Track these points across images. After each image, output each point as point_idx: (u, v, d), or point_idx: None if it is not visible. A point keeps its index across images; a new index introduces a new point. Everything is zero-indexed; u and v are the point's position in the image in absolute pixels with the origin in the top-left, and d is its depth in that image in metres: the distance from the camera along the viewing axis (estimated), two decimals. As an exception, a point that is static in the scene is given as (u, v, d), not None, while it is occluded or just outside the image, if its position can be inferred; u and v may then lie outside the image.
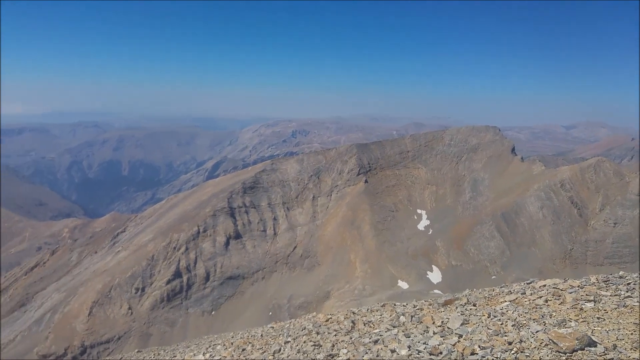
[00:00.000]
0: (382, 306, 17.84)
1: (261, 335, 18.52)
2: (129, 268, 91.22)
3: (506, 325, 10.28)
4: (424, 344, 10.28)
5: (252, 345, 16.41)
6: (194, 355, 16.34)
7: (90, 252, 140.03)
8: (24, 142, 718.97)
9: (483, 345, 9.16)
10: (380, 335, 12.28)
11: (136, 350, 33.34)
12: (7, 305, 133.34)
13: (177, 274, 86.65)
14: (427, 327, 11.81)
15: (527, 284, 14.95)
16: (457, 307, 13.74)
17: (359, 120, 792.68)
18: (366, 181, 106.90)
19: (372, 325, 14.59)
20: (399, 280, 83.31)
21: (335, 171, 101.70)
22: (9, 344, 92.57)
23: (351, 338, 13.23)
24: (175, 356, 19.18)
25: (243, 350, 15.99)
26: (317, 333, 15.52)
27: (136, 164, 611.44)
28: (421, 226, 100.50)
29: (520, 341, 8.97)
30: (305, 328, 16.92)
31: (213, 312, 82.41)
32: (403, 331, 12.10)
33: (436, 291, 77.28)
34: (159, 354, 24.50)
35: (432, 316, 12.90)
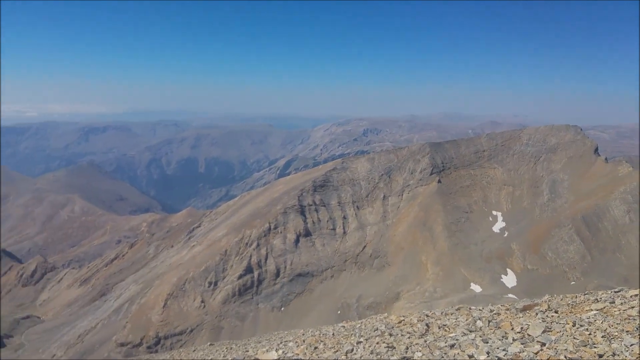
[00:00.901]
0: (457, 310, 17.34)
1: (332, 334, 18.46)
2: (203, 262, 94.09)
3: (595, 336, 9.64)
4: (503, 350, 9.86)
5: (324, 344, 16.37)
6: (267, 351, 16.47)
7: (166, 246, 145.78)
8: (107, 140, 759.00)
9: (570, 356, 8.62)
10: (457, 340, 11.89)
11: (208, 344, 34.21)
12: (89, 294, 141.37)
13: (249, 269, 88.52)
14: (506, 333, 11.32)
15: (616, 292, 14.03)
16: (537, 314, 13.10)
17: (433, 118, 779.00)
18: (439, 181, 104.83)
19: (447, 329, 14.18)
20: (472, 284, 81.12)
21: (407, 170, 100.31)
22: (90, 331, 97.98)
23: (426, 341, 12.89)
24: (247, 351, 19.44)
25: (315, 348, 15.98)
26: (390, 335, 15.27)
27: (212, 162, 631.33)
28: (496, 228, 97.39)
29: (613, 354, 8.35)
30: (377, 329, 16.70)
31: (282, 308, 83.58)
32: (480, 336, 11.66)
33: (510, 295, 74.64)
34: (230, 348, 24.97)
35: (510, 322, 12.38)
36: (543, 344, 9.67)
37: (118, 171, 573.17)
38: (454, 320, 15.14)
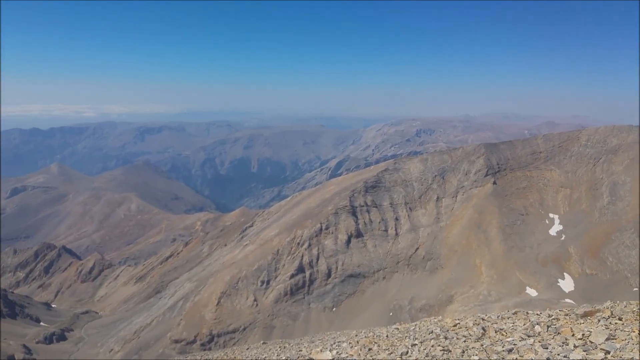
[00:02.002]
0: (513, 314, 17.02)
1: (386, 336, 18.46)
2: (255, 261, 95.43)
3: (663, 345, 9.32)
4: (564, 357, 9.66)
5: (378, 346, 16.39)
6: (321, 351, 16.65)
7: (220, 244, 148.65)
8: (163, 140, 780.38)
9: (636, 365, 8.38)
10: (514, 345, 11.71)
11: (261, 342, 34.72)
12: (145, 291, 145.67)
13: (300, 269, 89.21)
14: (567, 339, 11.07)
15: (684, 300, 13.45)
16: (599, 320, 12.71)
17: (488, 118, 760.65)
18: (494, 183, 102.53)
19: (504, 333, 13.96)
20: (527, 287, 78.95)
21: (461, 172, 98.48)
22: (146, 327, 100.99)
23: (482, 345, 12.75)
24: (300, 350, 19.68)
25: (369, 349, 16.03)
26: (445, 338, 15.16)
27: (264, 162, 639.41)
28: (553, 231, 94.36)
29: (683, 364, 8.07)
30: (432, 332, 16.60)
31: (334, 309, 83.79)
32: (539, 341, 11.45)
33: (568, 300, 72.22)
34: (284, 347, 25.28)
35: (571, 327, 12.08)
36: (607, 352, 9.41)
37: (173, 171, 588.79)
38: (511, 325, 14.89)
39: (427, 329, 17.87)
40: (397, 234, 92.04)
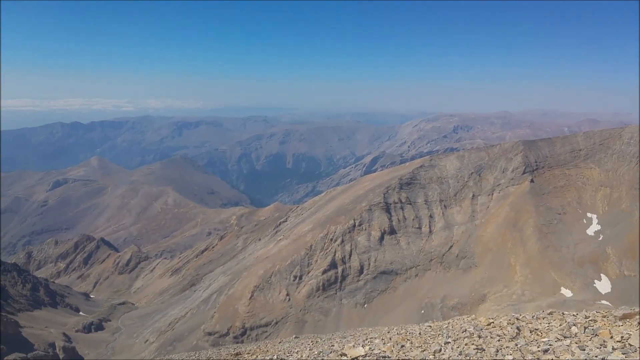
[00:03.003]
0: (549, 314, 16.74)
1: (419, 334, 18.38)
2: (288, 256, 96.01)
3: None
4: (602, 359, 9.49)
5: (411, 343, 16.35)
6: (353, 346, 16.71)
7: (254, 239, 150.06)
8: (200, 135, 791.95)
9: (678, 370, 8.19)
10: (550, 345, 11.54)
11: (294, 336, 34.94)
12: (180, 284, 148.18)
13: (333, 265, 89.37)
14: (604, 341, 10.86)
15: None
16: (639, 323, 12.44)
17: (527, 115, 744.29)
18: (532, 181, 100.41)
19: (539, 333, 13.76)
20: (562, 288, 77.27)
21: (498, 169, 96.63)
22: (180, 319, 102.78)
23: (517, 345, 12.61)
24: (332, 345, 19.77)
25: (402, 346, 16.00)
26: (479, 337, 15.02)
27: (299, 157, 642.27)
28: (590, 231, 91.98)
29: None
30: (465, 330, 16.46)
31: (365, 305, 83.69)
32: (576, 343, 11.26)
33: (604, 302, 70.38)
34: (316, 342, 25.42)
35: (609, 330, 11.84)
36: (647, 355, 9.22)
37: (209, 165, 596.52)
38: (546, 325, 14.66)
39: (461, 327, 17.73)
40: (430, 232, 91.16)
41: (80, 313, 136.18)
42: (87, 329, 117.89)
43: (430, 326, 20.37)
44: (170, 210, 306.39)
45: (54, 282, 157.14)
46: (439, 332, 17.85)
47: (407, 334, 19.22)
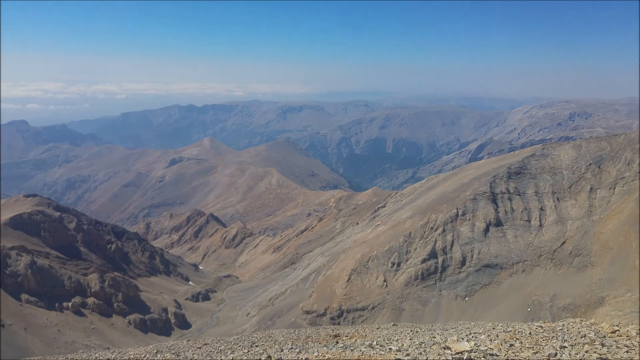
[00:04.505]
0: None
1: (529, 333, 16.87)
2: (386, 242, 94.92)
3: None
4: None
5: (521, 343, 14.98)
6: (457, 340, 15.58)
7: (352, 222, 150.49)
8: (303, 119, 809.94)
9: None
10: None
11: (391, 324, 34.17)
12: (280, 261, 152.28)
13: (433, 254, 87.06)
14: None
15: None
16: None
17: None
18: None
19: (678, 348, 11.94)
20: (694, 296, 69.70)
21: (622, 161, 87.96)
22: (280, 296, 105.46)
23: (653, 360, 10.95)
24: (434, 337, 18.77)
25: (511, 345, 14.70)
26: (602, 345, 13.37)
27: (400, 143, 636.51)
28: None
29: None
30: (585, 335, 14.80)
31: (467, 298, 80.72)
32: None
33: None
34: (416, 332, 24.50)
35: None
36: None
37: (311, 148, 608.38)
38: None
39: (579, 332, 16.06)
40: (541, 225, 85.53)
41: (190, 282, 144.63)
42: (195, 298, 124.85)
43: (542, 326, 18.77)
44: (273, 190, 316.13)
45: (168, 252, 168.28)
46: (552, 334, 16.32)
47: (516, 332, 17.80)
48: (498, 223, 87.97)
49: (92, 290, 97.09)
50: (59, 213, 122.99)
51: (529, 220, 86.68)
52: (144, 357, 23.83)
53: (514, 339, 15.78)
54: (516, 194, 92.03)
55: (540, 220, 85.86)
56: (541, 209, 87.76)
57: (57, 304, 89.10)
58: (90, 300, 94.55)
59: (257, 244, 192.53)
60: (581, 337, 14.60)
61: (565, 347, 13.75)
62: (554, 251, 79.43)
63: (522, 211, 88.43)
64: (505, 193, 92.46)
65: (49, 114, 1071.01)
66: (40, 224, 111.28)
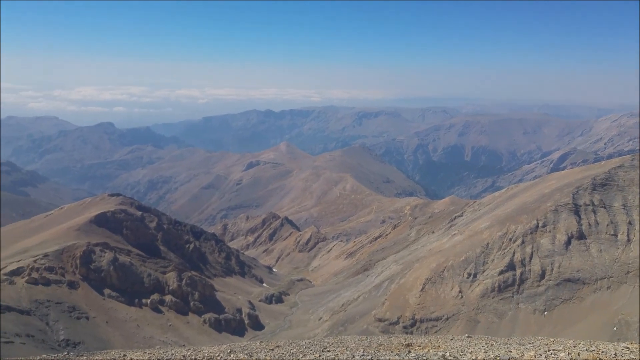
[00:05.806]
0: None
1: (614, 354, 16.27)
2: (462, 252, 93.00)
3: None
4: None
5: (606, 364, 14.53)
6: (534, 356, 15.35)
7: (427, 231, 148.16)
8: (379, 124, 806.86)
9: None
10: None
11: (466, 335, 33.61)
12: (353, 267, 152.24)
13: (511, 266, 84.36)
14: None
15: None
16: None
17: None
18: None
19: None
20: None
21: None
22: (353, 302, 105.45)
23: None
24: (510, 351, 18.50)
25: (594, 366, 14.30)
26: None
27: (479, 150, 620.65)
28: None
29: None
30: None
31: (545, 313, 77.55)
32: None
33: None
34: (491, 345, 24.09)
35: None
36: None
37: (386, 155, 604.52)
38: None
39: (670, 356, 15.34)
40: (629, 240, 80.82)
41: (264, 284, 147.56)
42: (269, 300, 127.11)
43: (629, 347, 18.02)
44: (347, 196, 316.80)
45: (243, 254, 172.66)
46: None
47: (600, 352, 17.19)
48: (581, 236, 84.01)
49: (170, 288, 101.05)
50: (140, 212, 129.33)
51: (615, 235, 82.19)
52: (218, 356, 24.80)
53: (598, 359, 15.32)
54: (601, 207, 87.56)
55: (628, 235, 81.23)
56: (629, 222, 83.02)
57: (136, 300, 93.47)
58: (168, 298, 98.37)
59: (330, 249, 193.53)
60: (671, 362, 13.98)
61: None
62: (644, 268, 74.87)
63: (607, 224, 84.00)
64: (589, 205, 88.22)
65: (134, 117, 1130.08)
66: (123, 222, 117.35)
